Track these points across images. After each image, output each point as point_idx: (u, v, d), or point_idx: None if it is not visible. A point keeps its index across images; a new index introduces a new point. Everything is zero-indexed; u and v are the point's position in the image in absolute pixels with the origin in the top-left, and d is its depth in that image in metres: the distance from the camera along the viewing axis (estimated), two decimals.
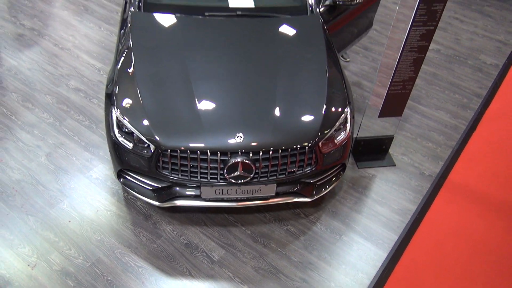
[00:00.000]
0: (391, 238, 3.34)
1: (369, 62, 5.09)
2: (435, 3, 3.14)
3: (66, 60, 4.70)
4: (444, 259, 3.24)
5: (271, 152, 2.84)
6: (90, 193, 3.46)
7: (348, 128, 3.15)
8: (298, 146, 2.88)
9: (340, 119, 3.08)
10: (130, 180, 3.10)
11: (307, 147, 2.90)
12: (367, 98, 4.55)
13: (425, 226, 3.45)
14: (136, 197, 3.38)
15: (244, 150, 2.80)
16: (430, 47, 5.42)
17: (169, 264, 3.06)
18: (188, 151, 2.78)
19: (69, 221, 3.26)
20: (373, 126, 4.16)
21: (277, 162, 2.88)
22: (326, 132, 2.97)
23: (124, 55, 3.20)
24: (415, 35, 3.29)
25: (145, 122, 2.85)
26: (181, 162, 2.82)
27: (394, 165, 3.91)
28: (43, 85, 4.37)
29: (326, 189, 3.24)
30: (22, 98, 4.20)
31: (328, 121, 3.01)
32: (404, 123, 4.33)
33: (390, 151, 4.02)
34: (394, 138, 4.04)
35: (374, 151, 3.98)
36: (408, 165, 3.93)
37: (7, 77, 4.42)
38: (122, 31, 3.48)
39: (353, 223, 3.40)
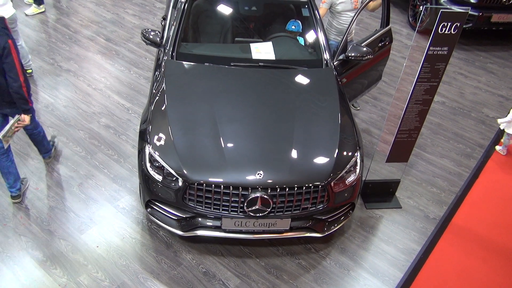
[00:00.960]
0: (396, 275, 3.54)
1: (378, 111, 5.44)
2: (438, 62, 3.51)
3: (98, 99, 5.12)
4: None
5: (287, 189, 3.13)
6: (117, 221, 3.74)
7: (357, 170, 3.44)
8: (312, 184, 3.17)
9: (351, 162, 3.38)
10: (156, 210, 3.38)
11: (320, 186, 3.19)
12: (375, 144, 4.86)
13: (429, 266, 3.66)
14: (160, 227, 3.65)
15: (263, 187, 3.10)
16: (436, 99, 5.78)
17: None
18: (213, 185, 3.08)
19: (97, 246, 3.53)
20: (381, 170, 4.45)
21: (293, 199, 3.16)
22: (337, 173, 3.27)
23: (157, 97, 3.58)
24: (420, 89, 3.64)
25: (175, 158, 3.18)
26: (206, 195, 3.12)
27: (400, 207, 4.15)
28: (77, 121, 4.76)
29: (336, 226, 3.49)
30: (57, 133, 4.58)
31: (340, 163, 3.31)
32: (411, 168, 4.62)
33: (397, 194, 4.28)
34: (401, 182, 4.30)
35: (381, 193, 4.24)
36: (414, 208, 4.18)
37: (45, 113, 4.83)
38: (156, 76, 3.88)
39: (360, 260, 3.62)
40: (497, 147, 4.98)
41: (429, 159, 4.80)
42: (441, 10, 3.23)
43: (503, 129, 4.73)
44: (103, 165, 4.27)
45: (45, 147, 4.08)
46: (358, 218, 4.00)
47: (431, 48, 3.41)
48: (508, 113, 4.72)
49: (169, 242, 3.62)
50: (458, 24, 3.32)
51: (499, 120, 4.74)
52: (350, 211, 3.58)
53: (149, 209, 3.43)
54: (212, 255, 3.55)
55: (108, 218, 3.76)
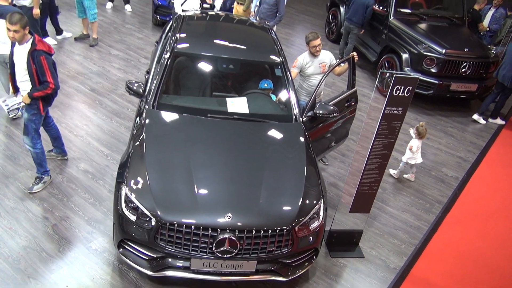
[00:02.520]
0: None
1: (345, 166, 5.78)
2: (394, 121, 3.90)
3: (78, 145, 5.32)
4: None
5: (254, 232, 3.33)
6: (88, 262, 3.83)
7: (321, 217, 3.68)
8: (278, 228, 3.39)
9: (314, 209, 3.62)
10: (128, 250, 3.51)
11: (285, 230, 3.41)
12: (341, 197, 5.13)
13: None
14: (131, 268, 3.75)
15: (231, 228, 3.30)
16: (399, 158, 6.18)
17: None
18: (184, 225, 3.27)
19: (67, 286, 3.59)
20: (345, 221, 4.70)
21: (259, 241, 3.35)
22: (302, 218, 3.50)
23: (137, 142, 3.82)
24: (378, 145, 4.00)
25: (150, 199, 3.37)
26: (177, 235, 3.29)
27: (363, 257, 4.36)
28: (56, 166, 4.92)
29: (300, 270, 3.66)
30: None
31: (304, 209, 3.56)
32: (374, 220, 4.88)
33: (360, 244, 4.51)
34: (364, 233, 4.54)
35: (345, 243, 4.46)
36: (376, 257, 4.39)
37: (25, 156, 4.98)
38: (137, 123, 4.14)
39: None
40: (391, 171, 5.75)
41: (391, 213, 5.08)
42: (394, 74, 3.67)
43: (405, 161, 5.62)
44: (78, 207, 4.40)
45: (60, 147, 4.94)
46: (322, 265, 4.18)
47: (387, 108, 3.81)
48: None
49: (138, 284, 3.70)
50: (410, 88, 3.75)
51: (403, 158, 5.66)
52: (314, 257, 3.77)
53: (121, 249, 3.55)
54: None
55: (80, 259, 3.84)
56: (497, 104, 7.62)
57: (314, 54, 5.29)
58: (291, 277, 3.61)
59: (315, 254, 3.77)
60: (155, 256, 3.41)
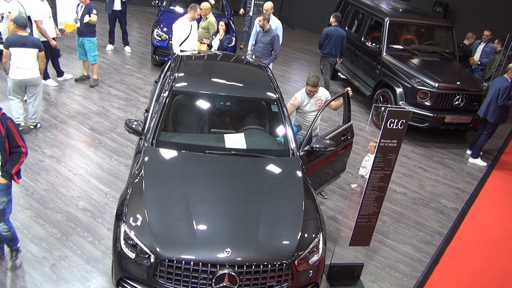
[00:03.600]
0: None
1: (344, 200, 5.79)
2: (389, 153, 3.96)
3: (78, 184, 5.35)
4: None
5: (253, 267, 3.32)
6: None
7: (320, 251, 3.67)
8: (277, 263, 3.38)
9: (313, 242, 3.62)
10: None
11: (284, 264, 3.39)
12: (340, 230, 5.12)
13: None
14: None
15: (230, 264, 3.29)
16: (398, 190, 6.21)
17: None
18: (183, 261, 3.26)
19: None
20: (346, 255, 4.68)
21: (258, 276, 3.34)
22: (301, 252, 3.50)
23: (136, 180, 3.86)
24: (375, 177, 4.04)
25: (149, 236, 3.37)
26: (176, 272, 3.27)
27: None
28: (55, 204, 4.94)
29: None
30: (35, 215, 4.73)
31: (303, 243, 3.56)
32: (374, 254, 4.85)
33: (361, 278, 4.46)
34: (365, 267, 4.51)
35: (346, 277, 4.42)
36: None
37: (25, 196, 5.01)
38: (136, 161, 4.20)
39: None
40: (352, 185, 5.79)
41: (392, 245, 5.06)
42: (388, 108, 3.77)
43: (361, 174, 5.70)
44: (77, 246, 4.38)
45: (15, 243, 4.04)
46: None
47: (382, 140, 3.88)
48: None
49: None
50: (404, 121, 3.83)
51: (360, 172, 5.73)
52: None
53: (120, 287, 3.52)
54: None
55: None
56: (478, 141, 7.31)
57: (309, 94, 5.45)
58: None
59: None
60: None
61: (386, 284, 4.46)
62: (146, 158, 4.09)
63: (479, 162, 7.40)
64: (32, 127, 6.37)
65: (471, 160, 7.43)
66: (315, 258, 3.61)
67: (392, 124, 3.84)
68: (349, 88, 5.22)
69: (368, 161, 5.76)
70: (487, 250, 5.22)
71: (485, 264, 4.98)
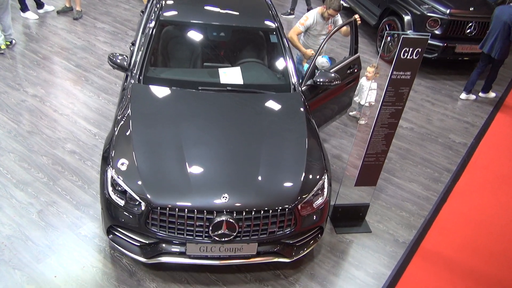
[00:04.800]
0: None
1: (348, 137, 5.49)
2: (401, 86, 3.58)
3: (64, 125, 5.00)
4: None
5: (253, 213, 3.06)
6: (77, 249, 3.58)
7: (325, 193, 3.41)
8: (279, 208, 3.12)
9: (318, 185, 3.35)
10: (118, 236, 3.25)
11: (287, 209, 3.14)
12: (346, 169, 4.87)
13: None
14: (123, 254, 3.50)
15: (228, 210, 3.03)
16: (405, 125, 5.89)
17: None
18: (177, 209, 2.99)
19: (55, 276, 3.35)
20: (350, 195, 4.44)
21: (259, 222, 3.09)
22: (304, 196, 3.23)
23: (123, 121, 3.51)
24: (385, 113, 3.69)
25: (138, 182, 3.08)
26: (170, 220, 3.02)
27: (370, 232, 4.12)
28: (41, 147, 4.62)
29: (305, 250, 3.42)
30: (19, 158, 4.42)
31: (307, 186, 3.28)
32: (380, 193, 4.62)
33: (367, 218, 4.26)
34: (370, 207, 4.29)
35: (351, 218, 4.21)
36: (383, 232, 4.15)
37: (7, 138, 4.68)
38: (122, 99, 3.82)
39: (330, 285, 3.54)
40: (360, 121, 5.60)
41: (398, 184, 4.83)
42: (402, 36, 3.32)
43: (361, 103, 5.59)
44: (65, 191, 4.12)
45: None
46: (328, 242, 3.94)
47: (394, 72, 3.48)
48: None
49: (132, 270, 3.47)
50: (419, 50, 3.41)
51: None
52: (319, 235, 3.52)
53: (110, 236, 3.29)
54: (178, 283, 3.41)
55: (68, 246, 3.59)
56: (488, 78, 6.75)
57: (326, 18, 5.23)
58: (295, 258, 3.38)
59: (320, 233, 3.53)
60: (147, 242, 3.16)
61: (392, 224, 4.27)
62: (133, 97, 3.71)
63: (491, 94, 7.01)
64: (8, 43, 6.18)
65: (481, 94, 6.99)
66: (320, 201, 3.36)
67: (406, 54, 3.42)
68: (357, 16, 4.72)
69: (364, 87, 5.47)
70: (497, 186, 4.99)
71: (496, 200, 4.77)
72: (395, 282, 3.65)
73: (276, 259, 3.32)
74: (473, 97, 6.88)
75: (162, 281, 3.41)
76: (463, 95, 6.87)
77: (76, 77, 5.95)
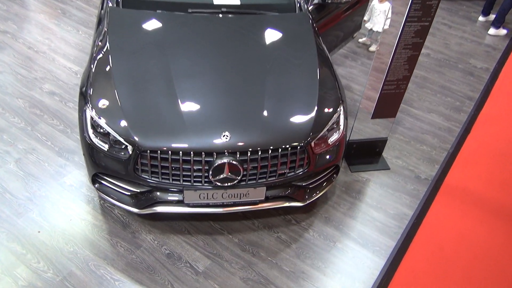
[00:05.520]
0: (389, 244, 3.13)
1: (358, 65, 4.94)
2: None
3: (41, 63, 4.44)
4: (444, 265, 3.04)
5: (260, 153, 2.62)
6: (62, 201, 3.18)
7: (341, 127, 2.95)
8: (289, 146, 2.67)
9: (333, 118, 2.88)
10: (106, 185, 2.84)
11: (298, 147, 2.69)
12: (357, 101, 4.39)
13: (423, 231, 3.26)
14: (113, 204, 3.11)
15: (230, 151, 2.58)
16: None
17: (149, 277, 2.79)
18: (170, 152, 2.55)
19: (39, 232, 2.98)
20: (365, 129, 4.00)
21: (267, 163, 2.66)
22: (318, 131, 2.77)
23: (101, 53, 2.98)
24: (409, 31, 3.13)
25: (123, 122, 2.61)
26: (162, 164, 2.58)
27: (388, 169, 3.72)
28: (15, 89, 4.10)
29: (318, 193, 3.02)
30: None
31: (321, 120, 2.82)
32: (397, 126, 4.17)
33: (384, 154, 3.84)
34: (387, 141, 3.86)
35: (367, 154, 3.79)
36: (403, 168, 3.75)
37: None
38: (99, 28, 3.25)
39: (347, 229, 3.19)
40: (372, 48, 5.23)
41: (416, 115, 4.36)
42: None
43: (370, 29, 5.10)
44: (46, 137, 3.66)
45: None
46: (342, 183, 3.55)
47: None
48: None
49: (125, 221, 3.09)
50: None
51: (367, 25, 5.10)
52: (334, 175, 3.11)
53: (97, 185, 2.87)
54: (177, 234, 3.04)
55: (52, 198, 3.19)
56: (500, 9, 5.70)
57: None
58: (308, 202, 2.98)
59: (336, 172, 3.11)
60: (139, 191, 2.74)
61: (412, 159, 3.85)
62: (111, 23, 3.14)
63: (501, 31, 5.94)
64: None
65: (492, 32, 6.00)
66: (336, 136, 2.91)
67: None
68: None
69: (376, 11, 4.85)
70: None
71: None
72: (419, 223, 3.30)
73: (287, 204, 2.93)
74: (504, 31, 5.91)
75: (160, 232, 3.04)
76: (491, 31, 5.91)
77: (51, 10, 5.28)
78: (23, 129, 3.70)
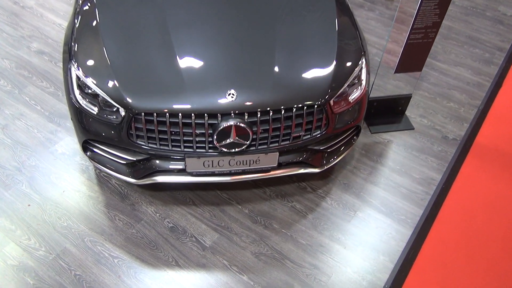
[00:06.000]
0: (415, 212, 2.83)
1: (376, 16, 4.48)
2: None
3: (27, 20, 4.05)
4: (476, 233, 2.74)
5: (271, 113, 2.27)
6: (54, 171, 2.90)
7: (363, 83, 2.59)
8: (305, 105, 2.32)
9: (354, 72, 2.51)
10: (98, 153, 2.53)
11: (315, 106, 2.34)
12: (377, 55, 3.98)
13: (453, 197, 2.94)
14: (109, 174, 2.82)
15: (237, 111, 2.24)
16: None
17: (151, 253, 2.53)
18: (167, 114, 2.21)
19: (29, 205, 2.70)
20: (386, 86, 3.61)
21: (279, 125, 2.32)
22: (338, 88, 2.41)
23: (86, 5, 2.59)
24: None
25: (113, 82, 2.27)
26: (159, 129, 2.26)
27: (413, 129, 3.37)
28: (0, 48, 3.74)
29: (337, 157, 2.70)
30: None
31: (340, 74, 2.45)
32: (421, 81, 3.78)
33: (407, 113, 3.48)
34: (411, 99, 3.48)
35: (389, 113, 3.43)
36: (429, 128, 3.39)
37: None
38: None
39: (369, 197, 2.88)
40: None
41: (442, 69, 3.95)
42: None
43: None
44: (35, 100, 3.33)
45: None
46: (362, 145, 3.21)
47: None
48: None
49: (124, 192, 2.81)
50: None
51: None
52: (355, 137, 2.77)
53: (88, 153, 2.57)
54: (181, 205, 2.76)
55: (43, 168, 2.91)
56: None
57: None
58: (326, 167, 2.67)
59: (356, 134, 2.77)
60: (135, 159, 2.43)
61: (438, 117, 3.49)
62: None
63: None
64: None
65: None
66: (357, 93, 2.55)
67: None
68: None
69: None
70: None
71: None
72: (448, 188, 2.98)
73: (302, 170, 2.62)
74: None
75: (162, 203, 2.76)
76: None
77: None
78: (9, 93, 3.37)
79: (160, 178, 2.50)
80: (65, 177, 2.86)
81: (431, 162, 3.14)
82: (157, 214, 2.71)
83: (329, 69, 2.43)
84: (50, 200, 2.73)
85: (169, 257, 2.51)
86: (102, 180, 2.86)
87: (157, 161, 2.46)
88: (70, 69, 2.38)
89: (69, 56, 2.43)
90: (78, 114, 2.39)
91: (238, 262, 2.52)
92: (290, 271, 2.50)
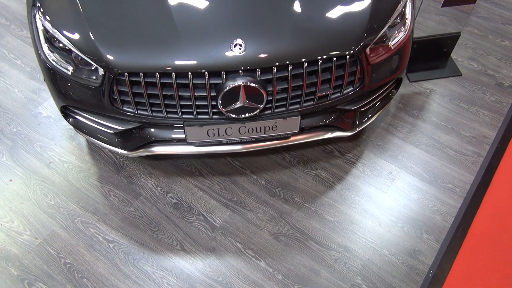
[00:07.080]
0: (465, 179, 2.36)
1: None
2: None
3: None
4: None
5: (291, 68, 1.77)
6: (38, 138, 2.49)
7: (408, 22, 2.03)
8: (334, 55, 1.80)
9: (397, 8, 1.95)
10: (81, 121, 2.09)
11: (347, 57, 1.82)
12: None
13: (510, 158, 2.45)
14: (96, 144, 2.41)
15: (248, 67, 1.74)
16: None
17: (152, 235, 2.16)
18: (157, 73, 1.73)
19: (10, 180, 2.34)
20: (426, 22, 3.01)
21: (301, 83, 1.82)
22: (376, 31, 1.87)
23: None
24: None
25: (86, 33, 1.77)
26: (149, 92, 1.79)
27: (460, 75, 2.81)
28: None
29: (371, 117, 2.21)
30: None
31: (379, 13, 1.90)
32: (469, 15, 3.15)
33: (453, 55, 2.91)
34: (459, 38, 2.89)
35: (431, 56, 2.87)
36: (479, 73, 2.83)
37: None
38: None
39: (408, 161, 2.42)
40: None
41: (493, 0, 3.29)
42: None
43: None
44: (14, 53, 2.87)
45: None
46: (399, 97, 2.70)
47: None
48: None
49: (119, 162, 2.40)
50: None
51: None
52: (393, 90, 2.26)
53: (70, 119, 2.13)
54: (185, 177, 2.35)
55: (25, 135, 2.50)
56: None
57: None
58: (358, 129, 2.19)
59: (396, 87, 2.25)
60: (125, 128, 1.99)
61: (491, 59, 2.91)
62: None
63: None
64: None
65: None
66: (400, 36, 2.00)
67: None
68: None
69: None
70: None
71: None
72: (504, 147, 2.48)
73: (329, 135, 2.15)
74: None
75: (163, 175, 2.35)
76: None
77: None
78: None
79: (158, 149, 2.07)
80: (51, 145, 2.46)
81: (483, 116, 2.62)
82: (158, 188, 2.31)
83: (364, 6, 1.88)
84: (34, 174, 2.35)
85: (173, 240, 2.15)
86: (94, 149, 2.45)
87: (152, 130, 2.02)
88: (34, 17, 1.89)
89: (33, 2, 1.92)
90: (51, 75, 1.93)
91: (254, 244, 2.14)
92: (315, 254, 2.11)
